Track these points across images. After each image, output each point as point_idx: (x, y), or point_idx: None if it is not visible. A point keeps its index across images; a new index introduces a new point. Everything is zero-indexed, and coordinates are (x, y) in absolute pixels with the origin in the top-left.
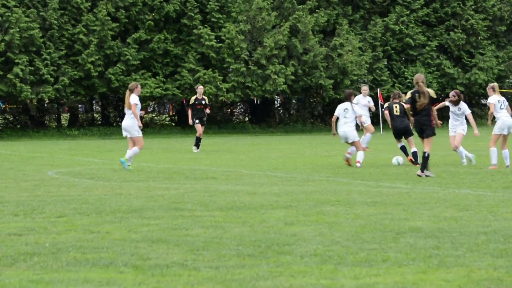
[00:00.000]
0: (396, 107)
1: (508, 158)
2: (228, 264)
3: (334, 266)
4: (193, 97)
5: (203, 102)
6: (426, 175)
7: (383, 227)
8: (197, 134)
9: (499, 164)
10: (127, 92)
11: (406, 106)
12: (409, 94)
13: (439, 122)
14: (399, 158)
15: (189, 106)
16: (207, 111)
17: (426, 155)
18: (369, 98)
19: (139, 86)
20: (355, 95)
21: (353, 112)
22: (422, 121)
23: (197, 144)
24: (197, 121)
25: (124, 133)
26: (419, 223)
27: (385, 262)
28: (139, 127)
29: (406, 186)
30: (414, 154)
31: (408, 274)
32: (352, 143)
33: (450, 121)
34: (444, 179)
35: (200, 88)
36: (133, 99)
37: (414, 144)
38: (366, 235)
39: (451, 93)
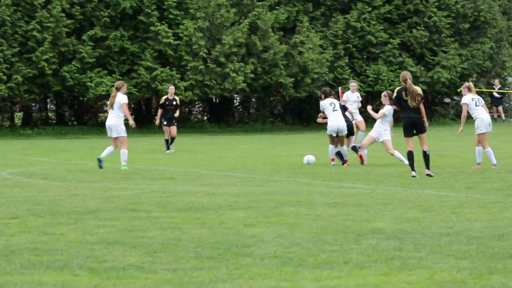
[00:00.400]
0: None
1: (493, 155)
2: (186, 267)
3: (294, 268)
4: (164, 97)
5: (174, 102)
6: (413, 176)
7: (344, 228)
8: (165, 137)
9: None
10: (114, 90)
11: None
12: (395, 93)
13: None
14: (310, 158)
15: (160, 106)
16: (177, 113)
17: (428, 152)
18: (358, 94)
19: (126, 84)
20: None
21: (340, 106)
22: (415, 118)
23: (167, 146)
24: (165, 122)
25: (109, 133)
26: (381, 224)
27: (347, 264)
28: (131, 125)
29: (368, 186)
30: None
31: (370, 276)
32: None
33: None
34: (406, 180)
35: (171, 88)
36: (123, 98)
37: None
38: (327, 237)
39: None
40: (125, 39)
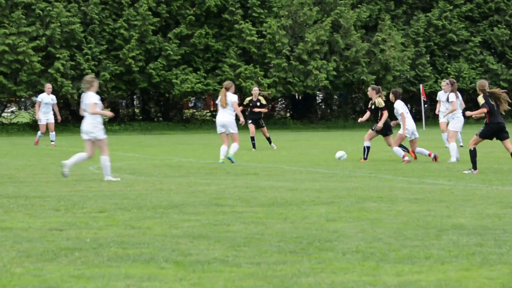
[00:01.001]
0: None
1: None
2: (270, 261)
3: (376, 263)
4: (248, 99)
5: (258, 103)
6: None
7: (425, 224)
8: (250, 134)
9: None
10: (223, 90)
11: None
12: (483, 99)
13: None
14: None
15: (243, 106)
16: (264, 110)
17: None
18: (452, 94)
19: (233, 85)
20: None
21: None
22: (503, 124)
23: (253, 144)
24: (249, 121)
25: (221, 129)
26: (462, 220)
27: (428, 259)
28: (241, 123)
29: (448, 183)
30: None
31: (450, 272)
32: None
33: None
34: (487, 176)
35: (255, 90)
36: (235, 97)
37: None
38: (408, 232)
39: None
40: (210, 37)
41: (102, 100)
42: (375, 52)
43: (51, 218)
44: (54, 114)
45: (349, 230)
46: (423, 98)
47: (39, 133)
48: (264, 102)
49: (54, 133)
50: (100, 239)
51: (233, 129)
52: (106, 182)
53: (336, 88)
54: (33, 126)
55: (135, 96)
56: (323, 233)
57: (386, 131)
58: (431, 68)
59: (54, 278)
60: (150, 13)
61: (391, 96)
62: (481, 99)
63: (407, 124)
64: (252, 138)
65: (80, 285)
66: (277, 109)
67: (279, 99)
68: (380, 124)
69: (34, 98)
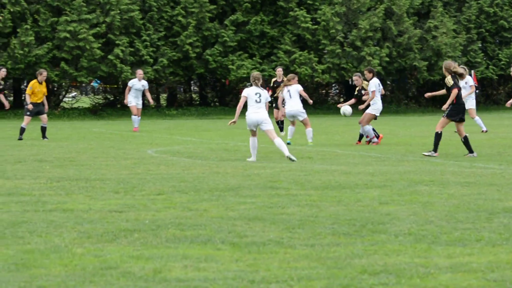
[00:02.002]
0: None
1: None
2: (323, 242)
3: (428, 245)
4: (273, 79)
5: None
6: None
7: (476, 207)
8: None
9: None
10: (286, 81)
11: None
12: (452, 80)
13: None
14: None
15: (269, 88)
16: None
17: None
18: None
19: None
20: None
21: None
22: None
23: (280, 128)
24: (273, 104)
25: (291, 119)
26: None
27: (479, 242)
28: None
29: (499, 167)
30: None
31: (501, 254)
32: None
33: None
34: None
35: (279, 70)
36: (299, 86)
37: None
38: (459, 215)
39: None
40: (265, 24)
41: (160, 85)
42: (427, 38)
43: (111, 200)
44: (144, 101)
45: (401, 213)
46: (474, 84)
47: (133, 117)
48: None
49: (139, 118)
50: (158, 221)
51: (302, 115)
52: (164, 166)
53: (389, 74)
54: (92, 110)
55: (192, 82)
56: (376, 216)
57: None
58: (482, 54)
59: (113, 258)
60: (207, 0)
61: (367, 73)
62: (450, 80)
63: (377, 103)
64: (277, 123)
65: (139, 266)
66: (331, 94)
67: (333, 85)
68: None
69: (93, 83)
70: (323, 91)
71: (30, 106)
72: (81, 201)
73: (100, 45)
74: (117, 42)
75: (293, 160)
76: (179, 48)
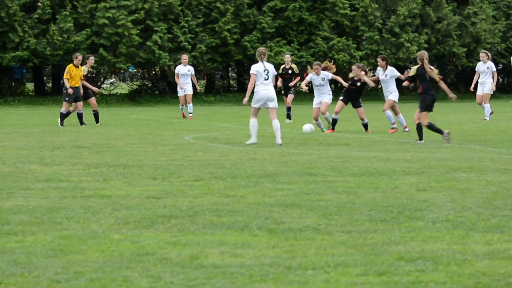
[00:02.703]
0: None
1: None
2: (360, 229)
3: (465, 232)
4: (282, 67)
5: (290, 71)
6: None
7: None
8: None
9: None
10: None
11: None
12: (414, 71)
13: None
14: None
15: (279, 75)
16: (292, 83)
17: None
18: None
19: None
20: None
21: None
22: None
23: (287, 115)
24: (282, 91)
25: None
26: None
27: None
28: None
29: None
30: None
31: None
32: None
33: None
34: None
35: (286, 57)
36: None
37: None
38: (497, 202)
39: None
40: (304, 10)
41: (198, 72)
42: (466, 25)
43: (148, 187)
44: (194, 86)
45: (439, 200)
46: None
47: (181, 107)
48: (296, 70)
49: (191, 104)
50: (195, 207)
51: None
52: (202, 152)
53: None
54: (130, 97)
55: (230, 68)
56: (413, 203)
57: None
58: None
59: (151, 245)
60: None
61: (380, 61)
62: (414, 70)
63: (396, 90)
64: (287, 109)
65: (176, 252)
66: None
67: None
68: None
69: (130, 69)
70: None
71: (70, 90)
72: (118, 187)
73: (138, 31)
74: (155, 28)
75: (280, 145)
76: (217, 35)
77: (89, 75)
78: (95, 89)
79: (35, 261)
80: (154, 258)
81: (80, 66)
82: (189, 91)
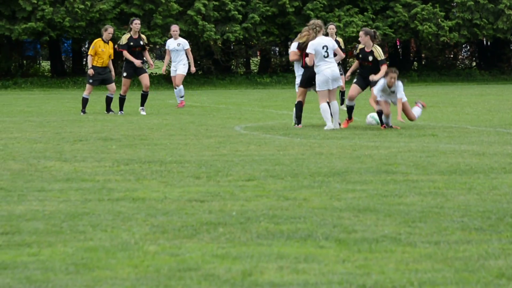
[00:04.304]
0: None
1: None
2: (451, 239)
3: None
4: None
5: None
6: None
7: None
8: None
9: None
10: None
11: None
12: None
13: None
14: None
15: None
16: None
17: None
18: None
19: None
20: None
21: None
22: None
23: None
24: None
25: None
26: None
27: None
28: None
29: None
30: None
31: None
32: None
33: None
34: None
35: (331, 28)
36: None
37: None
38: None
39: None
40: None
41: (251, 47)
42: None
43: (191, 187)
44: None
45: None
46: None
47: (175, 91)
48: (342, 45)
49: (181, 87)
50: (248, 212)
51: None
52: (255, 145)
53: None
54: (167, 78)
55: (289, 43)
56: None
57: None
58: None
59: (194, 258)
60: None
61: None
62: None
63: None
64: None
65: (225, 267)
66: (460, 57)
67: (463, 45)
68: None
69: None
70: (451, 54)
71: (91, 71)
72: (154, 189)
73: None
74: None
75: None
76: (273, 2)
77: (142, 43)
78: (151, 62)
79: (52, 279)
80: (198, 275)
81: (110, 42)
82: (181, 70)
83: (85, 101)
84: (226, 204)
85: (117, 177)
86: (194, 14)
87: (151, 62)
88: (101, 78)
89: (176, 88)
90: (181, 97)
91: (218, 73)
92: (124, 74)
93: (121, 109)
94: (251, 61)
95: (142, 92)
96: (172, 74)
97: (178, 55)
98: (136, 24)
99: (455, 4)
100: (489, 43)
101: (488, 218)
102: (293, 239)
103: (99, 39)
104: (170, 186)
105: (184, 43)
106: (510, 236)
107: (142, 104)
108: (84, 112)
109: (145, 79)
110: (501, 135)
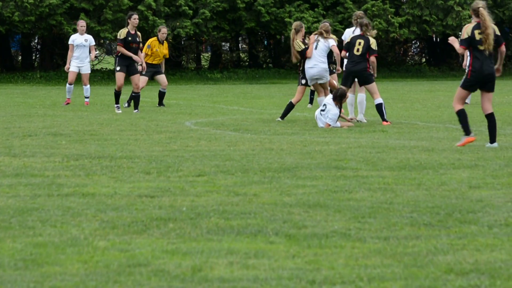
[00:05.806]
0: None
1: None
2: (400, 235)
3: None
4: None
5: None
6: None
7: None
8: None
9: None
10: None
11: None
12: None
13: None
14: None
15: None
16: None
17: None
18: None
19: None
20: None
21: None
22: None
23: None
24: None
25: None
26: None
27: None
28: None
29: None
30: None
31: None
32: None
33: None
34: None
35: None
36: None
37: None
38: None
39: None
40: None
41: (201, 43)
42: None
43: (141, 183)
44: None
45: (497, 199)
46: None
47: (68, 87)
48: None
49: (88, 86)
50: (198, 208)
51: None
52: (205, 141)
53: None
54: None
55: (240, 38)
56: (464, 203)
57: None
58: None
59: (144, 253)
60: None
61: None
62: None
63: None
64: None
65: (175, 262)
66: (410, 53)
67: (413, 42)
68: None
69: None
70: (401, 50)
71: (141, 67)
72: (104, 184)
73: None
74: None
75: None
76: None
77: (138, 40)
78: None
79: (1, 274)
80: (148, 270)
81: (165, 42)
82: (86, 69)
83: (132, 97)
84: (176, 199)
85: (66, 173)
86: (145, 9)
87: (144, 62)
88: (153, 71)
89: (86, 86)
90: (87, 97)
91: (169, 69)
92: (118, 68)
93: (135, 107)
94: (202, 56)
95: (132, 93)
96: (72, 70)
97: (84, 51)
98: (135, 19)
99: (405, 0)
100: (438, 40)
101: (437, 213)
102: (243, 234)
103: (155, 38)
104: (120, 181)
105: (91, 40)
106: (458, 231)
107: (136, 107)
108: (129, 105)
109: (136, 79)
110: (450, 131)
